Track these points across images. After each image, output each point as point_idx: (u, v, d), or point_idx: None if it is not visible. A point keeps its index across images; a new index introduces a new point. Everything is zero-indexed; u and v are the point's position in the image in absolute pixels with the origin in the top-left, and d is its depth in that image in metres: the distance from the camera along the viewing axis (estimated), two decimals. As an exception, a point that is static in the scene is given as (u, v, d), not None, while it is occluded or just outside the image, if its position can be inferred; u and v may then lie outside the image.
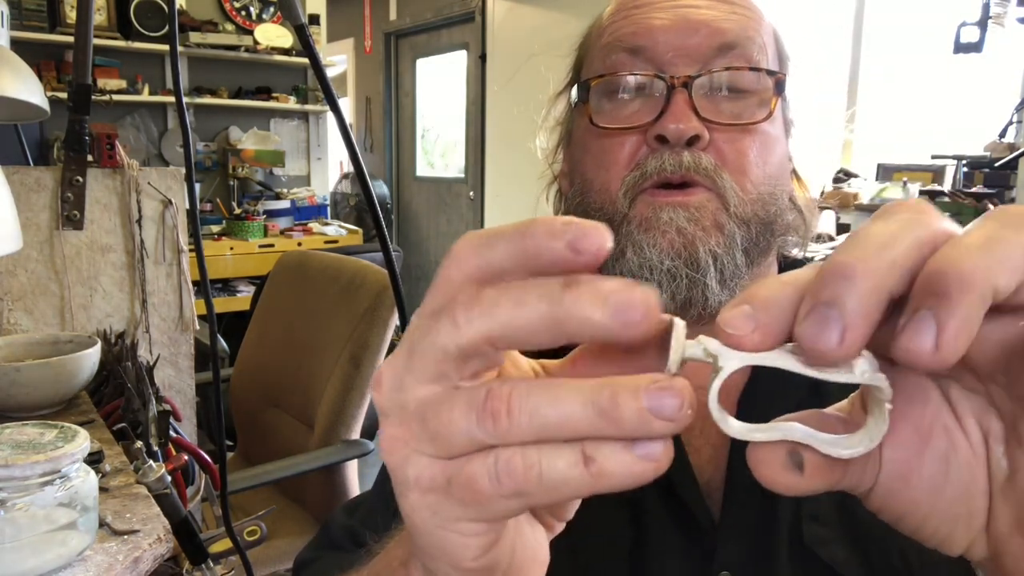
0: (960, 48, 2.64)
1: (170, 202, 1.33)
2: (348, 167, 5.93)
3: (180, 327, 1.33)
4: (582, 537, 0.57)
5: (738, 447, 0.59)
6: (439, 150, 5.63)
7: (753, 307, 0.26)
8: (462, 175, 5.11)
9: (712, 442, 0.62)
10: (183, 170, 1.41)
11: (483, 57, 4.62)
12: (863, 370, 0.25)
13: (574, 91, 0.68)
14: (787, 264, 0.71)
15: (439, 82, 5.44)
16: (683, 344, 0.26)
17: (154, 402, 1.02)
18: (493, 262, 0.26)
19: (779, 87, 0.63)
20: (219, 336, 3.02)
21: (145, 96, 3.82)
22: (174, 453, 1.06)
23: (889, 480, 0.29)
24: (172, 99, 3.91)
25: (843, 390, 0.63)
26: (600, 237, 0.25)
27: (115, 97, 3.59)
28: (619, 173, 0.62)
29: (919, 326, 0.23)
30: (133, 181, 1.31)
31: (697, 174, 0.60)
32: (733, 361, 0.26)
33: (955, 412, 0.29)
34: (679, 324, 0.27)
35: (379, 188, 5.49)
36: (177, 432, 1.14)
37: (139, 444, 0.96)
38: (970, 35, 2.61)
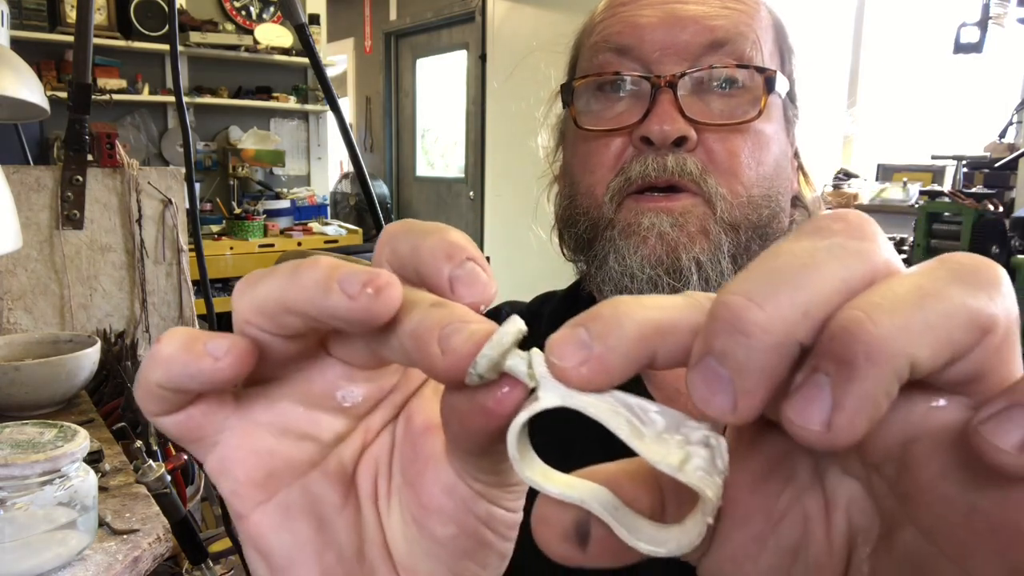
0: (960, 48, 2.63)
1: (170, 201, 1.32)
2: (348, 167, 5.93)
3: (180, 326, 1.33)
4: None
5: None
6: (439, 150, 5.63)
7: (590, 332, 0.20)
8: (462, 175, 5.11)
9: None
10: (183, 170, 1.41)
11: (483, 57, 4.62)
12: (697, 466, 0.20)
13: (562, 92, 0.67)
14: None
15: (439, 82, 5.44)
16: (504, 347, 0.21)
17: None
18: (397, 251, 0.25)
19: (769, 84, 0.60)
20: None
21: (145, 96, 3.82)
22: (174, 453, 1.06)
23: (720, 560, 0.23)
24: (172, 99, 3.91)
25: None
26: (486, 290, 0.23)
27: (115, 97, 3.58)
28: (604, 176, 0.61)
29: (812, 395, 0.18)
30: (133, 181, 1.31)
31: (682, 178, 0.58)
32: (551, 396, 0.21)
33: (825, 497, 0.23)
34: (513, 321, 0.22)
35: (379, 188, 5.49)
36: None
37: (139, 443, 0.96)
38: (970, 35, 2.60)
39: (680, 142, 0.58)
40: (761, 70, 0.60)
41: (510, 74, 4.02)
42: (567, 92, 0.64)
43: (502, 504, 0.27)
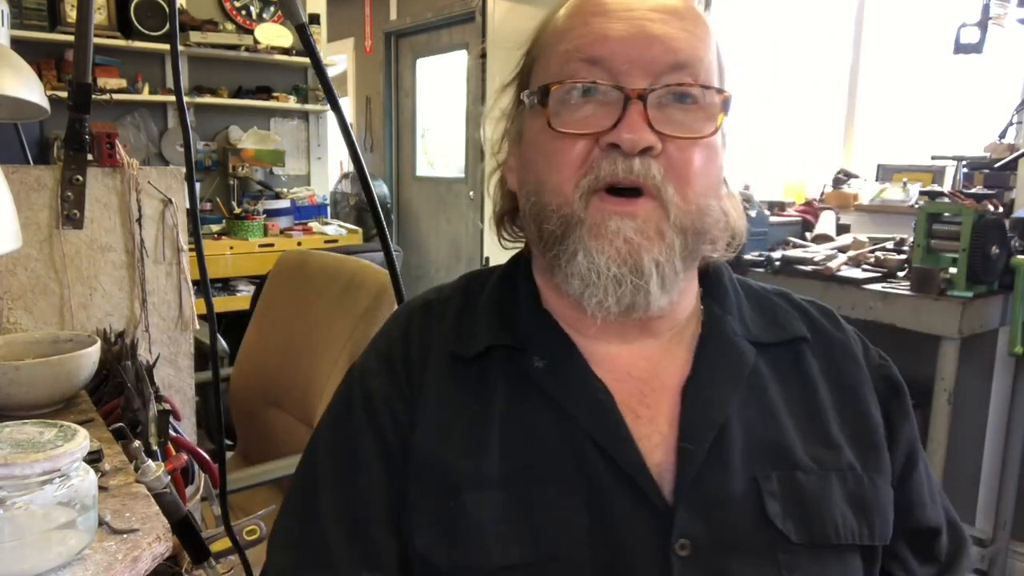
0: (960, 49, 2.63)
1: (170, 201, 1.33)
2: (348, 167, 5.93)
3: (180, 326, 1.33)
4: (541, 519, 0.64)
5: (688, 434, 0.66)
6: (439, 150, 5.62)
7: None
8: (462, 175, 5.11)
9: (661, 430, 0.68)
10: (183, 169, 1.41)
11: (483, 57, 4.62)
12: None
13: (527, 92, 0.72)
14: (705, 265, 0.77)
15: (439, 82, 5.44)
16: None
17: (154, 401, 1.02)
18: None
19: (726, 105, 0.68)
20: (219, 335, 3.01)
21: (145, 95, 3.82)
22: (173, 452, 1.06)
23: None
24: (172, 98, 3.91)
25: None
26: None
27: (115, 96, 3.58)
28: (572, 175, 0.66)
29: None
30: (133, 180, 1.31)
31: (646, 181, 0.64)
32: None
33: None
34: None
35: (379, 187, 5.49)
36: (177, 431, 1.14)
37: (137, 443, 0.96)
38: (970, 36, 2.60)
39: (646, 150, 0.64)
40: (720, 91, 0.68)
41: (508, 75, 4.01)
42: (543, 94, 0.68)
43: None
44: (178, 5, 3.92)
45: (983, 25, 2.59)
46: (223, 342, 2.91)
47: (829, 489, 0.68)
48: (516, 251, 0.83)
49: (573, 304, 0.69)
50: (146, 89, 3.83)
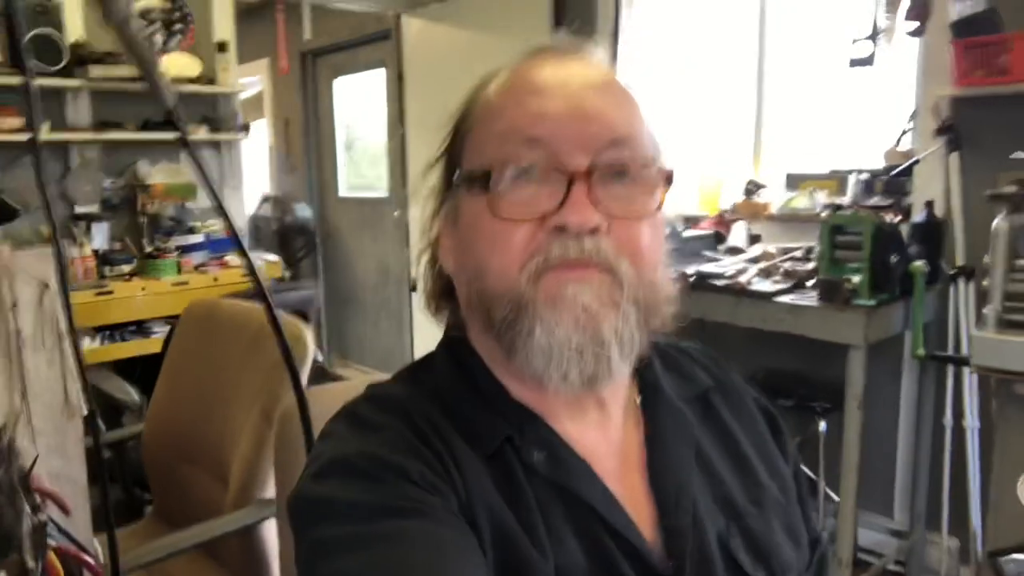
0: (855, 62, 2.72)
1: (47, 286, 1.26)
2: (268, 191, 5.80)
3: (66, 414, 1.27)
4: None
5: (668, 510, 0.67)
6: (364, 170, 5.56)
7: None
8: (385, 194, 5.06)
9: (641, 507, 0.67)
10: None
11: (400, 75, 4.58)
12: None
13: (461, 174, 0.69)
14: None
15: (360, 100, 5.38)
16: None
17: (29, 513, 0.97)
18: None
19: (669, 180, 0.67)
20: (132, 386, 2.90)
21: (45, 134, 3.66)
22: (57, 564, 1.01)
23: None
24: (74, 136, 3.76)
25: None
26: None
27: (12, 136, 3.43)
28: (517, 259, 0.64)
29: None
30: (4, 268, 1.25)
31: (599, 260, 0.63)
32: None
33: None
34: None
35: (302, 211, 5.39)
36: (63, 530, 1.10)
37: (14, 557, 0.92)
38: (862, 50, 2.70)
39: (594, 230, 0.63)
40: (661, 168, 0.67)
41: (430, 95, 3.97)
42: (483, 178, 0.65)
43: None
44: (74, 39, 3.74)
45: (873, 39, 2.68)
46: (135, 394, 2.82)
47: (772, 528, 0.71)
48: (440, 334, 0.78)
49: (532, 386, 0.67)
50: (46, 128, 3.67)
